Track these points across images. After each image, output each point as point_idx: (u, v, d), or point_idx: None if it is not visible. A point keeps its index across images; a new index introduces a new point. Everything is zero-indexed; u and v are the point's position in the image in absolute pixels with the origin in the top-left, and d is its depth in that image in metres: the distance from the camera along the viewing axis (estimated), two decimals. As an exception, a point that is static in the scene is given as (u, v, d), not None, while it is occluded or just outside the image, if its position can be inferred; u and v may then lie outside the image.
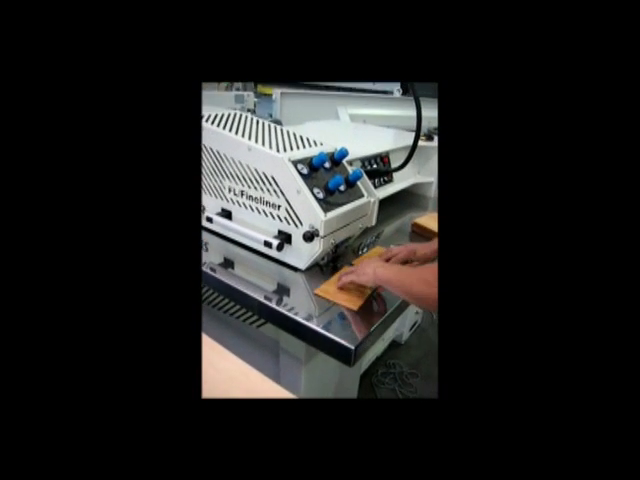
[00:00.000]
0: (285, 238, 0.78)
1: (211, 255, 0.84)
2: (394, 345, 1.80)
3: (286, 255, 0.80)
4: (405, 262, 0.80)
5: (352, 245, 0.92)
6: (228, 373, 0.45)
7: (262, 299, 0.70)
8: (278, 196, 0.76)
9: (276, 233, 0.80)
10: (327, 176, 0.79)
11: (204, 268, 0.78)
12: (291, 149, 0.78)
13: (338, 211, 0.75)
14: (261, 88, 2.87)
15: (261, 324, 0.82)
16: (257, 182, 0.79)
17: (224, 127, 0.83)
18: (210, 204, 0.90)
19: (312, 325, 0.64)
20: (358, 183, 0.85)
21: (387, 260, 0.80)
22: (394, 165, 1.16)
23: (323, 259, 0.82)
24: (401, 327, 1.78)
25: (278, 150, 0.76)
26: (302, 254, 0.77)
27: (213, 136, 0.83)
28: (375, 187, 1.11)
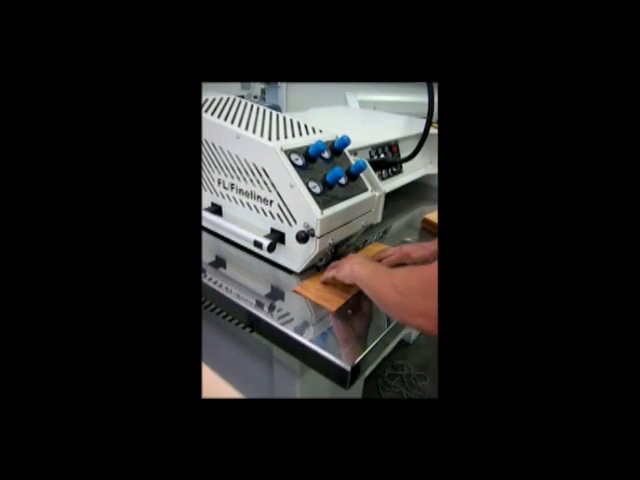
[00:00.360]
0: (278, 237, 0.69)
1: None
2: (402, 344, 1.72)
3: (279, 256, 0.72)
4: (399, 266, 0.72)
5: (355, 243, 0.84)
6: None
7: (250, 307, 0.62)
8: (270, 190, 0.68)
9: (269, 231, 0.71)
10: (326, 168, 0.70)
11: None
12: (285, 137, 0.70)
13: (337, 207, 0.66)
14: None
15: (252, 330, 0.75)
16: (247, 174, 0.70)
17: (212, 113, 0.74)
18: (199, 198, 0.82)
19: (303, 339, 0.56)
20: (361, 175, 0.75)
21: (379, 261, 0.72)
22: (404, 155, 1.06)
23: (321, 260, 0.73)
24: (410, 326, 1.69)
25: (270, 138, 0.67)
26: (296, 255, 0.69)
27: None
28: (382, 179, 1.01)
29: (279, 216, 0.68)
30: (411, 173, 1.13)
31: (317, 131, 0.77)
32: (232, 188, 0.75)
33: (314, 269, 0.73)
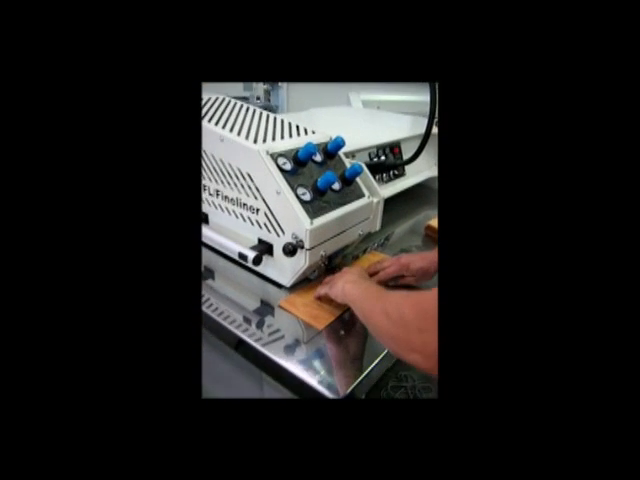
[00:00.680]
0: (266, 249, 0.64)
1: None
2: (409, 353, 1.65)
3: (268, 269, 0.66)
4: (397, 278, 0.66)
5: (352, 252, 0.78)
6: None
7: (234, 329, 0.57)
8: (255, 197, 0.62)
9: (256, 242, 0.66)
10: (317, 172, 0.64)
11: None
12: (273, 139, 0.64)
13: (329, 216, 0.60)
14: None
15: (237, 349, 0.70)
16: (232, 179, 0.65)
17: (196, 113, 0.69)
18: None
19: (289, 366, 0.50)
20: (357, 180, 0.69)
21: (373, 275, 0.65)
22: (407, 156, 0.99)
23: (314, 272, 0.67)
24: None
25: (255, 141, 0.61)
26: (285, 268, 0.63)
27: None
28: (383, 182, 0.95)
29: (266, 226, 0.63)
30: (414, 176, 1.06)
31: (309, 132, 0.71)
32: (218, 195, 0.69)
33: (306, 281, 0.67)
